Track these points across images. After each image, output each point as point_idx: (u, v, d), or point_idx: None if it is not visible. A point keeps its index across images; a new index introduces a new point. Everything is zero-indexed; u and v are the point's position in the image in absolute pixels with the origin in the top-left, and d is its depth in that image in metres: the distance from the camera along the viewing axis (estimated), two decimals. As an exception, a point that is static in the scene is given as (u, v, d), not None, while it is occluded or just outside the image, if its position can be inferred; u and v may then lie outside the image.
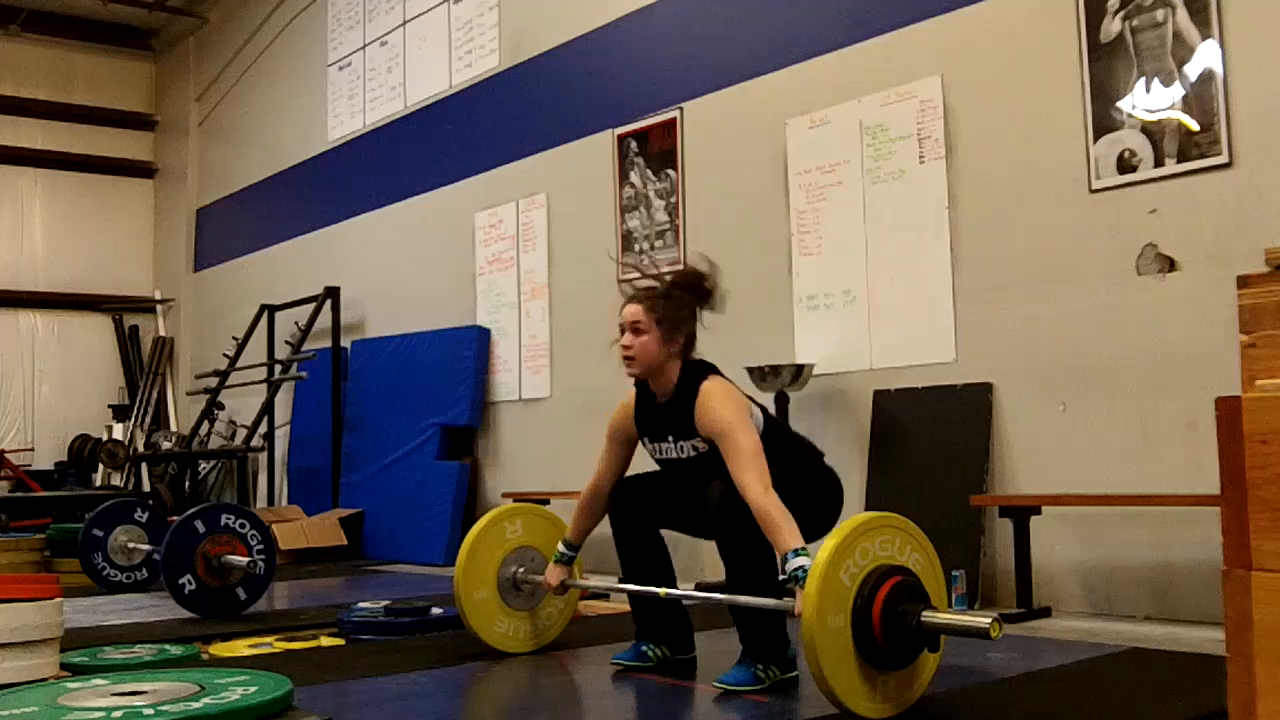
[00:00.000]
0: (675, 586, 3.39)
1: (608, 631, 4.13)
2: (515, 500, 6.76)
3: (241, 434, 9.50)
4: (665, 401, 3.20)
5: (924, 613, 2.60)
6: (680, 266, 6.18)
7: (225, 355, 9.67)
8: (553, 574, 3.51)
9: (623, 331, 3.20)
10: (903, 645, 2.59)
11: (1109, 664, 3.29)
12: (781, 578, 2.86)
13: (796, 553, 2.76)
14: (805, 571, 2.62)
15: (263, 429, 9.04)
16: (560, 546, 3.51)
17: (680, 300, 3.21)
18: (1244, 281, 2.81)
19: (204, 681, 2.60)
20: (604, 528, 3.49)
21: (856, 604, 2.56)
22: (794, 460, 3.21)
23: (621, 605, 4.87)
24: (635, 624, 3.42)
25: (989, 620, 2.55)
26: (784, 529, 2.82)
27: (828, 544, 2.58)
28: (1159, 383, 4.23)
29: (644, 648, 3.36)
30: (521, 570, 3.61)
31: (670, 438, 3.20)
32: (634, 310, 3.19)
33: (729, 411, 3.04)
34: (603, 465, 3.43)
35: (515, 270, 7.40)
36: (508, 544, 3.62)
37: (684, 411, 3.13)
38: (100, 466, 10.93)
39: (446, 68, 8.17)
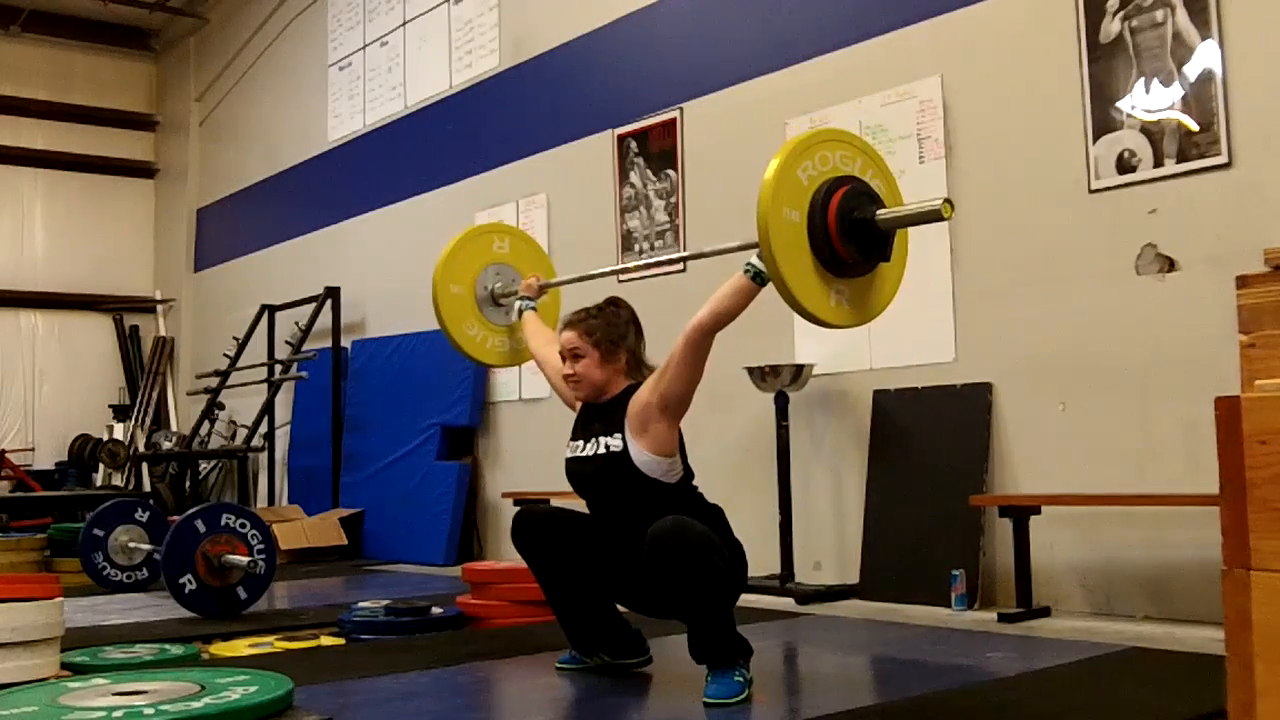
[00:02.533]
0: (599, 590, 3.25)
1: (608, 631, 4.13)
2: (515, 501, 6.78)
3: (242, 434, 9.50)
4: (604, 401, 3.16)
5: (878, 211, 2.68)
6: (679, 265, 6.19)
7: (225, 355, 9.68)
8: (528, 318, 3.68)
9: (563, 359, 3.19)
10: (857, 244, 2.66)
11: (1108, 664, 3.30)
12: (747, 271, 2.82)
13: (747, 266, 2.80)
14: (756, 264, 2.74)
15: (263, 429, 9.05)
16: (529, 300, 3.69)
17: (613, 316, 3.19)
18: (1243, 281, 2.82)
19: (204, 681, 2.61)
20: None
21: (813, 203, 2.64)
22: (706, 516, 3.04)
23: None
24: (567, 638, 3.31)
25: (939, 201, 2.63)
26: (726, 284, 2.85)
27: (789, 143, 2.67)
28: (1159, 383, 4.23)
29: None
30: (500, 284, 3.74)
31: (597, 434, 3.11)
32: (569, 336, 3.17)
33: (651, 384, 3.01)
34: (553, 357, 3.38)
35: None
36: (492, 256, 3.75)
37: (619, 406, 3.09)
38: (101, 466, 10.93)
39: (446, 68, 8.17)
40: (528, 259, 3.89)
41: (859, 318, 2.77)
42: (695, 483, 3.16)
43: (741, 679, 2.90)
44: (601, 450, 3.08)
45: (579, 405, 3.29)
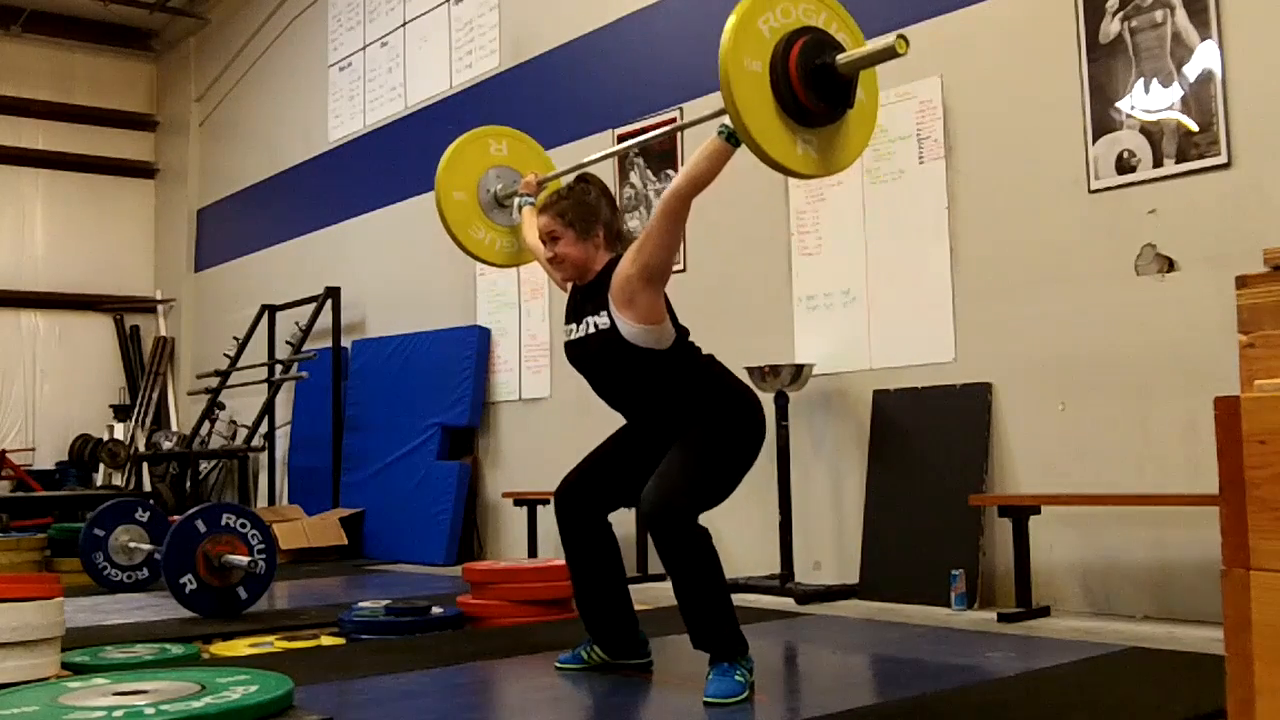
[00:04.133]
0: (625, 589, 3.31)
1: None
2: (515, 500, 6.78)
3: (242, 434, 9.51)
4: (588, 283, 3.17)
5: (838, 56, 2.71)
6: (679, 265, 6.19)
7: (226, 355, 9.68)
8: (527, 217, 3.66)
9: (544, 245, 3.23)
10: (820, 92, 2.69)
11: (1108, 663, 3.30)
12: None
13: (721, 128, 2.82)
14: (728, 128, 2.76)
15: (263, 429, 9.05)
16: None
17: (583, 194, 3.19)
18: (1242, 281, 2.81)
19: (205, 681, 2.61)
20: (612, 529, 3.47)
21: (774, 53, 2.66)
22: (708, 381, 3.10)
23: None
24: (584, 622, 3.36)
25: (893, 38, 2.64)
26: (700, 149, 2.88)
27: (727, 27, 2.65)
28: (1158, 383, 4.23)
29: (583, 650, 3.34)
30: (501, 187, 3.79)
31: (587, 316, 3.11)
32: (544, 221, 3.19)
33: (631, 256, 3.01)
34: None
35: (515, 270, 7.39)
36: (491, 159, 3.80)
37: (602, 284, 3.08)
38: (101, 466, 10.94)
39: (447, 68, 8.18)
40: (527, 159, 3.94)
41: (828, 167, 2.79)
42: (691, 339, 3.19)
43: (743, 678, 2.90)
44: (592, 330, 3.08)
45: (569, 288, 3.31)
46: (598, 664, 3.32)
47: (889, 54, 2.69)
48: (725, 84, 2.60)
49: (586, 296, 3.16)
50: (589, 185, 3.23)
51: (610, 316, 3.03)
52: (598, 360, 3.12)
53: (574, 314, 3.20)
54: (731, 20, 2.65)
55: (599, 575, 3.28)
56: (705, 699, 2.86)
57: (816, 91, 2.70)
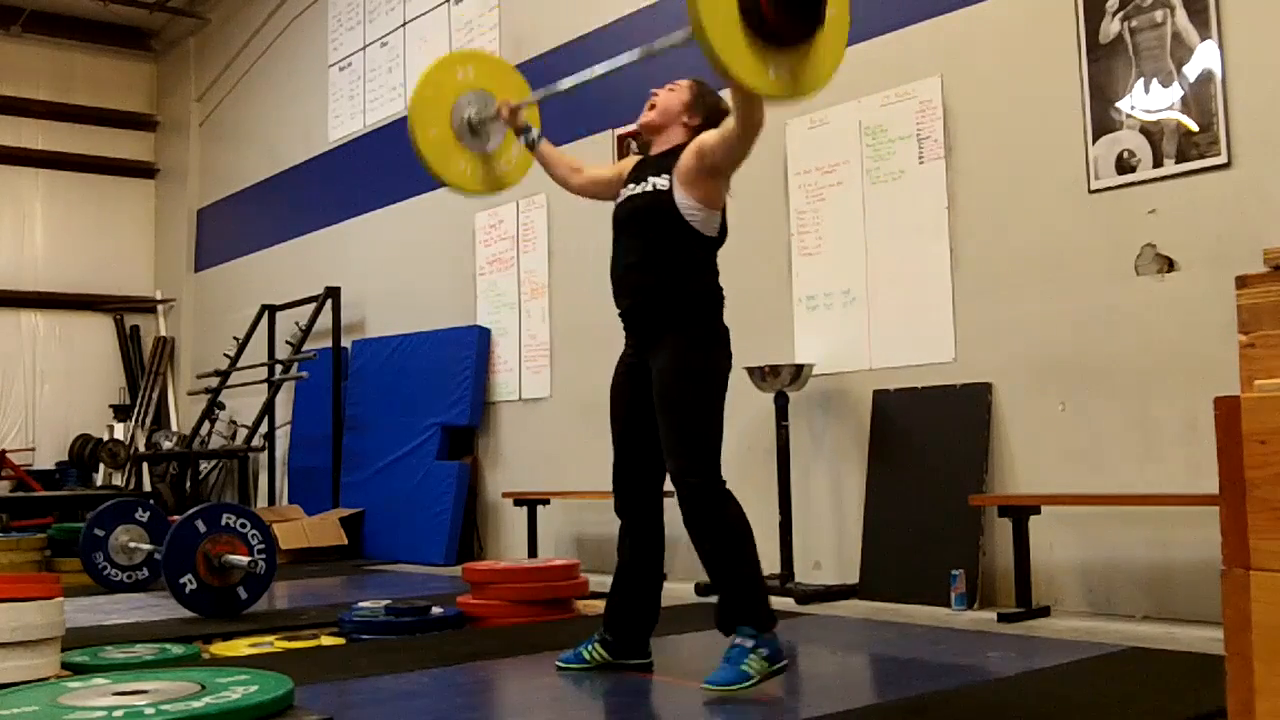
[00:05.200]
0: (661, 585, 3.40)
1: (608, 631, 4.13)
2: (515, 500, 6.78)
3: (242, 434, 9.51)
4: (658, 153, 3.31)
5: None
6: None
7: (226, 355, 9.68)
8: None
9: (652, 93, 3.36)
10: (791, 13, 2.64)
11: (1108, 663, 3.30)
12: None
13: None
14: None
15: (263, 429, 9.05)
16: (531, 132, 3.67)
17: (712, 95, 3.35)
18: (1243, 282, 2.81)
19: (205, 681, 2.61)
20: (613, 528, 3.48)
21: None
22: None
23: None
24: (606, 614, 3.39)
25: None
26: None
27: None
28: (1158, 383, 4.23)
29: (584, 650, 3.35)
30: (475, 112, 3.66)
31: (650, 176, 3.25)
32: (679, 81, 3.38)
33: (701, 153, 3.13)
34: (590, 170, 3.65)
35: (515, 270, 7.41)
36: (460, 85, 3.67)
37: (673, 156, 3.22)
38: (101, 466, 10.94)
39: (447, 68, 8.17)
40: (497, 78, 3.82)
41: (800, 90, 2.76)
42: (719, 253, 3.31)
43: (748, 669, 2.92)
44: (649, 188, 3.21)
45: (619, 175, 3.44)
46: (598, 664, 3.32)
47: None
48: (693, 6, 2.54)
49: (654, 163, 3.29)
50: (719, 100, 3.36)
51: (670, 182, 3.16)
52: (641, 217, 3.25)
53: (635, 179, 3.34)
54: None
55: (644, 566, 3.35)
56: (704, 684, 2.88)
57: (786, 10, 2.64)
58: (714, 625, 3.13)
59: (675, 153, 3.23)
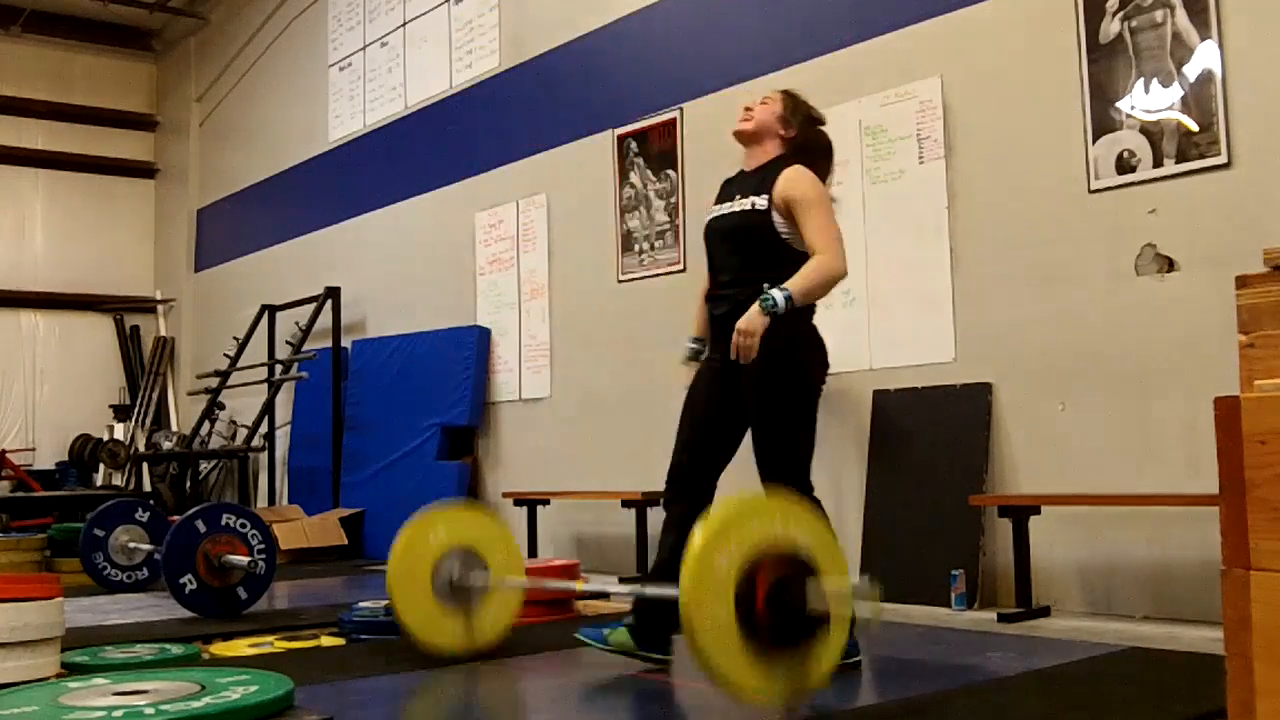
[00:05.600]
0: None
1: (608, 631, 4.13)
2: (515, 500, 6.78)
3: (242, 434, 9.50)
4: (754, 168, 3.39)
5: (809, 598, 2.52)
6: (679, 265, 6.20)
7: (226, 355, 9.68)
8: (682, 373, 3.55)
9: (746, 105, 3.46)
10: (793, 630, 2.51)
11: (1108, 663, 3.30)
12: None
13: (768, 300, 3.06)
14: (770, 299, 3.04)
15: (263, 429, 9.05)
16: (689, 343, 3.59)
17: (808, 109, 3.48)
18: (1243, 282, 2.81)
19: (205, 681, 2.61)
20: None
21: (739, 592, 2.47)
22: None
23: (621, 605, 4.88)
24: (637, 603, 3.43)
25: (869, 609, 2.54)
26: (802, 274, 3.13)
27: (700, 533, 2.51)
28: (1158, 383, 4.23)
29: (608, 631, 3.35)
30: (456, 573, 3.52)
31: (737, 196, 3.35)
32: (772, 93, 3.50)
33: (818, 191, 3.26)
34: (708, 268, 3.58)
35: (515, 270, 7.40)
36: (435, 548, 3.52)
37: (769, 174, 3.31)
38: (101, 466, 10.94)
39: (447, 68, 8.18)
40: (466, 527, 3.65)
41: (806, 683, 2.61)
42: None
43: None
44: (748, 206, 3.31)
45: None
46: (617, 650, 3.30)
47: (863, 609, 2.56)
48: (691, 638, 2.41)
49: (747, 180, 3.39)
50: (812, 116, 3.50)
51: (769, 202, 3.27)
52: (739, 235, 3.34)
53: (727, 194, 3.44)
54: (687, 570, 2.46)
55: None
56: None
57: (789, 627, 2.51)
58: None
59: (772, 168, 3.33)
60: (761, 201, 3.27)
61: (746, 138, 3.44)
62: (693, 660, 2.44)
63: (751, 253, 3.29)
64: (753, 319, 3.07)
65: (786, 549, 2.55)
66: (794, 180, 3.25)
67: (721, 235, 3.39)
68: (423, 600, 3.46)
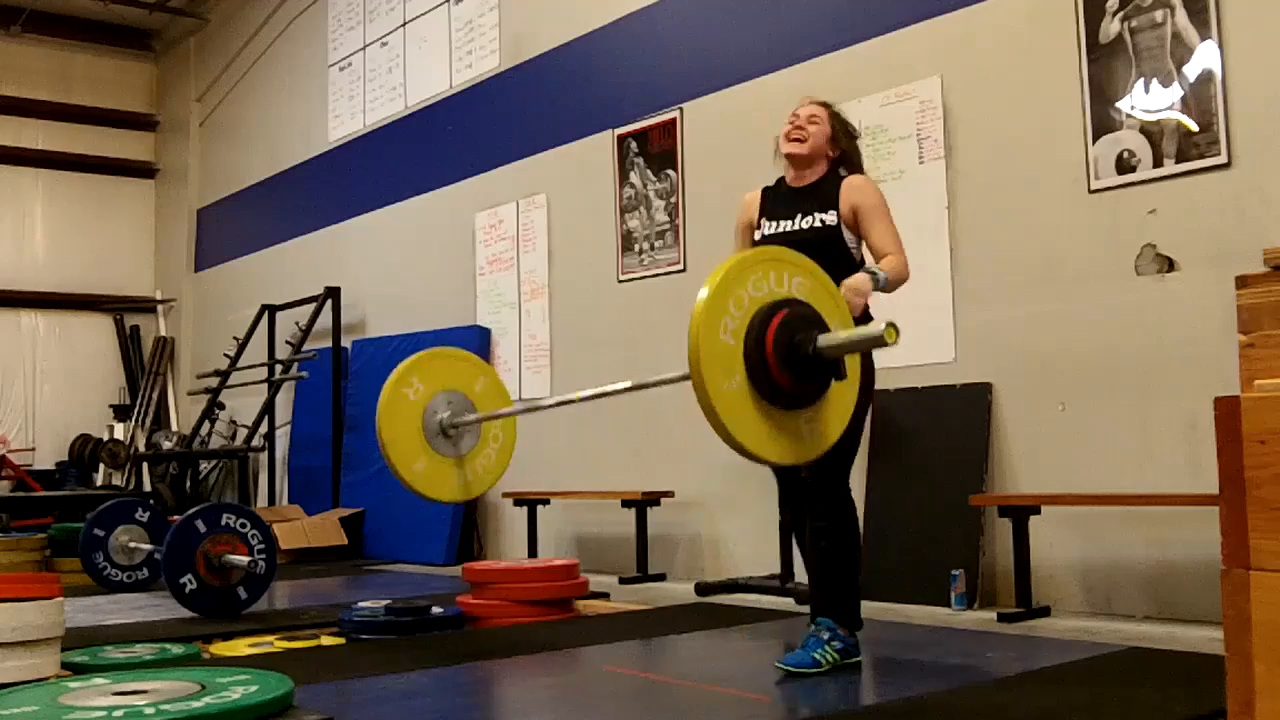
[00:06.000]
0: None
1: (607, 632, 4.13)
2: (515, 500, 6.78)
3: (242, 434, 9.51)
4: (805, 185, 3.46)
5: (819, 338, 2.54)
6: (679, 265, 6.20)
7: (226, 355, 9.68)
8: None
9: (793, 122, 3.49)
10: (808, 378, 2.56)
11: (1108, 663, 3.30)
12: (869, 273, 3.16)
13: (872, 273, 3.15)
14: (875, 273, 3.11)
15: (263, 429, 9.05)
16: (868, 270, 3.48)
17: (847, 123, 3.59)
18: (1243, 282, 2.81)
19: (205, 681, 2.61)
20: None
21: (747, 358, 2.53)
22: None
23: (621, 605, 4.88)
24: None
25: (883, 326, 2.50)
26: (885, 263, 3.24)
27: (696, 308, 2.53)
28: (1158, 383, 4.23)
29: (813, 652, 3.28)
30: (448, 415, 3.58)
31: (807, 210, 3.41)
32: (814, 107, 3.53)
33: (881, 197, 3.38)
34: (743, 239, 3.60)
35: (515, 270, 7.41)
36: (418, 402, 3.56)
37: (828, 188, 3.41)
38: (101, 466, 10.94)
39: (447, 68, 8.18)
40: (443, 371, 3.65)
41: (826, 442, 2.66)
42: None
43: (821, 657, 3.12)
44: (816, 224, 3.38)
45: (751, 194, 3.55)
46: (834, 666, 3.23)
47: (876, 342, 2.54)
48: (714, 418, 2.46)
49: (802, 196, 3.46)
50: (850, 126, 3.60)
51: (838, 217, 3.37)
52: (810, 249, 3.35)
53: (782, 213, 3.47)
54: (694, 354, 2.49)
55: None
56: (778, 664, 3.15)
57: (804, 375, 2.56)
58: (721, 624, 3.16)
59: (829, 183, 3.42)
60: (831, 218, 3.36)
61: (802, 163, 3.48)
62: (720, 435, 2.47)
63: (823, 265, 3.35)
64: (865, 281, 3.12)
65: (787, 303, 2.60)
66: (859, 188, 3.38)
67: (795, 248, 3.46)
68: (418, 451, 3.50)
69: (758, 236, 3.47)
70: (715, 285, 2.56)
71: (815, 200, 3.40)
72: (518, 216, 7.39)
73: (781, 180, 3.54)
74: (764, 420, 2.54)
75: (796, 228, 3.39)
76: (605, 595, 5.08)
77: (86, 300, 11.92)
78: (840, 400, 2.71)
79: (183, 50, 12.14)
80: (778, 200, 3.50)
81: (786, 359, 2.55)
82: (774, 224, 3.45)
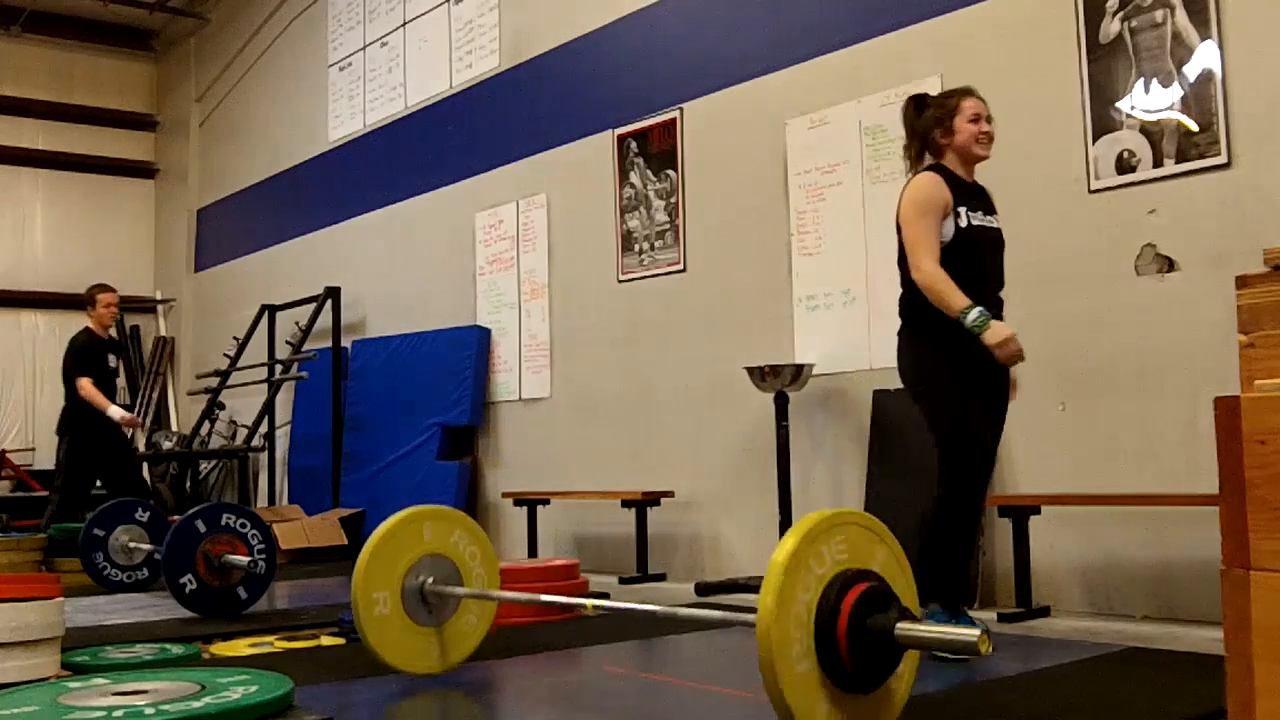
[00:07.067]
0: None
1: (607, 631, 4.13)
2: (515, 500, 6.78)
3: (242, 434, 9.50)
4: (974, 183, 3.67)
5: (898, 625, 2.19)
6: (679, 265, 6.20)
7: (226, 355, 9.68)
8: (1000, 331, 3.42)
9: (978, 119, 3.65)
10: (876, 665, 2.23)
11: (1108, 663, 3.30)
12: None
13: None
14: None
15: (263, 429, 9.05)
16: (981, 311, 3.41)
17: None
18: (1243, 281, 2.81)
19: (205, 681, 2.61)
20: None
21: (819, 628, 2.25)
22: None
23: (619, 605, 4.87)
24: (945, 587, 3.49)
25: (977, 633, 2.11)
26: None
27: (774, 560, 2.29)
28: (1158, 383, 4.23)
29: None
30: (432, 580, 3.23)
31: (985, 213, 3.63)
32: (983, 105, 3.71)
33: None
34: (934, 245, 3.55)
35: (515, 270, 7.41)
36: (422, 547, 3.29)
37: (984, 191, 3.70)
38: (101, 466, 10.91)
39: (447, 68, 8.18)
40: (454, 539, 3.38)
41: None
42: None
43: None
44: (999, 227, 3.66)
45: (932, 177, 3.58)
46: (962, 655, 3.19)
47: (968, 649, 2.15)
48: (771, 681, 2.22)
49: (981, 196, 3.68)
50: None
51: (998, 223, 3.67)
52: (1002, 248, 3.67)
53: (976, 204, 3.61)
54: (764, 616, 2.28)
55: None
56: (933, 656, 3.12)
57: (873, 661, 2.22)
58: (721, 624, 3.16)
59: (981, 188, 3.69)
60: (999, 222, 3.66)
61: (979, 155, 3.67)
62: (775, 706, 2.21)
63: (1002, 262, 3.67)
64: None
65: (866, 575, 2.28)
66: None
67: (993, 246, 3.64)
68: (391, 616, 3.15)
69: (962, 224, 3.52)
70: (793, 547, 2.31)
71: (989, 201, 3.67)
72: (518, 216, 7.39)
73: (948, 170, 3.61)
74: (824, 701, 2.25)
75: (996, 226, 3.63)
76: (605, 595, 5.08)
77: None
78: (898, 682, 2.35)
79: (183, 50, 12.14)
80: (963, 191, 3.59)
81: (859, 642, 2.23)
82: (976, 215, 3.57)
